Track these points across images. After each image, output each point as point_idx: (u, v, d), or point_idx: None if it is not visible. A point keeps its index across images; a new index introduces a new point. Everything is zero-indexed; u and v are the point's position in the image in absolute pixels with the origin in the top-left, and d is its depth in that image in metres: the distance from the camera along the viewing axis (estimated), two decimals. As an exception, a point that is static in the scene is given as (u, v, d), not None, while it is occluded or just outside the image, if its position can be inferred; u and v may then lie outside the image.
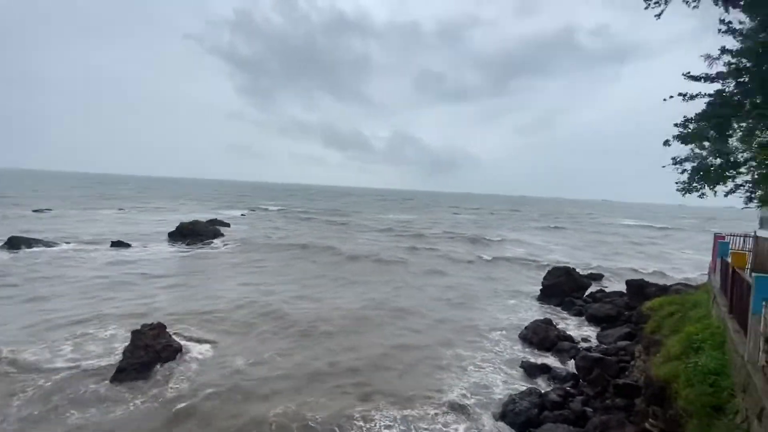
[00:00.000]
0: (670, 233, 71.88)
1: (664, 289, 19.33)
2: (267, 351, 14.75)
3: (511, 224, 73.37)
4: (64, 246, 32.65)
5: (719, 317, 9.16)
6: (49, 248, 31.25)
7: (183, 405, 11.03)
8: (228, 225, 51.24)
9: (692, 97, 7.17)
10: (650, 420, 8.53)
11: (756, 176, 8.01)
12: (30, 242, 31.42)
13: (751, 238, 14.62)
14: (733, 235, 15.51)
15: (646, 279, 21.87)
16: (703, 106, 7.43)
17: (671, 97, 7.76)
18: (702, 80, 7.32)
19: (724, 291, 9.77)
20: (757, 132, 7.49)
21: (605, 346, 15.35)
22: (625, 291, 21.85)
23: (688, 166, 7.94)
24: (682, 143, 7.76)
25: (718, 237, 14.38)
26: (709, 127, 7.45)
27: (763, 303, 5.61)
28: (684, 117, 7.98)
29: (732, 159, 8.14)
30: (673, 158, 8.70)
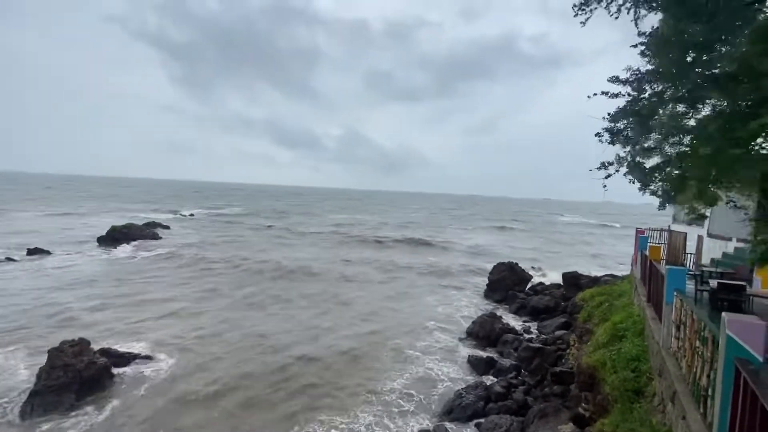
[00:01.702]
0: (605, 228, 78.28)
1: (595, 281, 20.95)
2: (200, 368, 13.89)
3: (460, 224, 75.62)
4: (-32, 256, 28.55)
5: (640, 306, 10.01)
6: (-53, 259, 27.19)
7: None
8: (167, 227, 47.98)
9: (614, 96, 7.71)
10: (582, 405, 9.12)
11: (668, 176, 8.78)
12: None
13: (665, 232, 16.20)
14: (652, 230, 17.10)
15: (580, 271, 23.55)
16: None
17: (595, 94, 8.29)
18: (623, 83, 7.89)
19: (644, 281, 10.69)
20: (670, 136, 8.23)
21: (545, 336, 16.29)
22: (561, 283, 23.40)
23: (612, 169, 8.53)
24: (609, 144, 8.31)
25: (639, 231, 15.77)
26: (629, 126, 8.07)
27: (674, 293, 6.15)
28: (609, 113, 8.54)
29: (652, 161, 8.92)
30: (602, 162, 9.35)
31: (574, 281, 21.50)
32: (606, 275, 22.41)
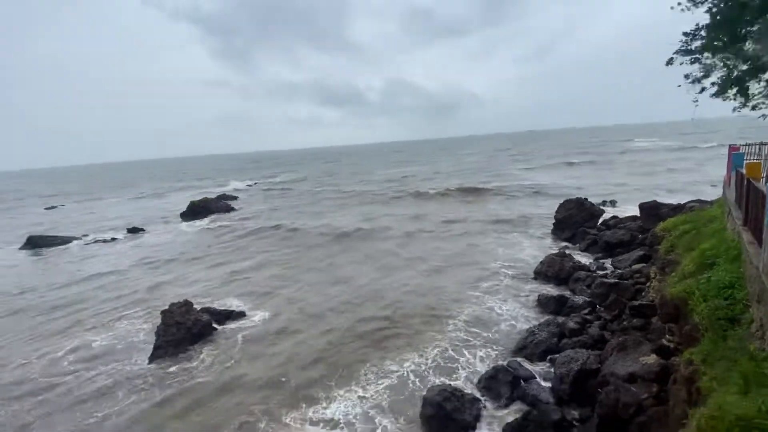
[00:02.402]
0: (687, 151, 69.70)
1: (678, 209, 19.13)
2: (284, 321, 15.43)
3: (519, 164, 71.57)
4: (80, 241, 33.42)
5: (734, 231, 9.06)
6: (67, 244, 32.09)
7: (212, 379, 11.81)
8: (235, 198, 51.85)
9: (697, 4, 6.60)
10: (667, 336, 8.79)
11: None
12: (48, 240, 32.25)
13: (766, 147, 14.08)
14: (748, 145, 14.92)
15: (660, 200, 21.59)
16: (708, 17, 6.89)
17: (678, 3, 7.16)
18: None
19: (739, 203, 9.57)
20: None
21: (620, 271, 15.54)
22: (638, 214, 21.71)
23: (707, 82, 7.49)
24: (687, 57, 7.26)
25: (732, 148, 13.86)
26: (719, 34, 6.91)
27: (779, 212, 5.47)
28: (695, 25, 7.39)
29: (756, 63, 7.61)
30: (686, 75, 8.19)
31: (653, 211, 19.83)
32: (691, 201, 20.31)
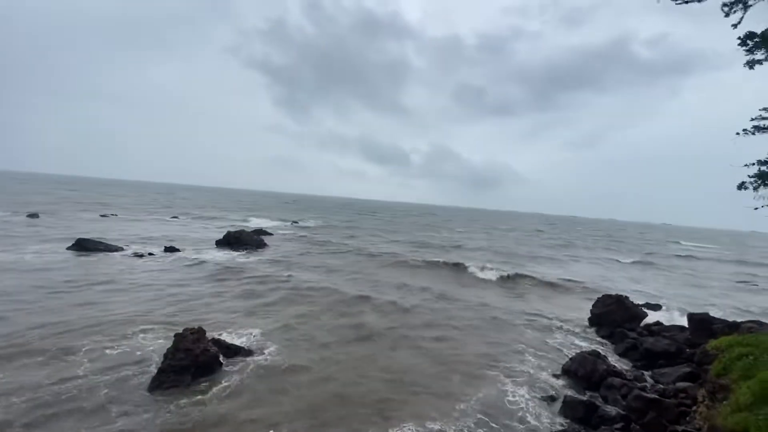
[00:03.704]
0: (743, 266, 64.53)
1: (733, 327, 17.33)
2: (296, 362, 14.89)
3: (555, 250, 69.01)
4: (123, 252, 35.19)
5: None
6: (112, 252, 33.85)
7: (211, 410, 11.32)
8: (271, 234, 53.32)
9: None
10: (716, 478, 7.50)
11: None
12: (94, 244, 34.22)
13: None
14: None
15: (713, 314, 19.72)
16: None
17: (745, 131, 7.04)
18: None
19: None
20: None
21: (662, 386, 13.91)
22: (686, 325, 19.83)
23: None
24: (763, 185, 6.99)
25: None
26: None
27: None
28: None
29: None
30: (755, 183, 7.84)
31: (704, 325, 18.08)
32: (749, 321, 18.37)
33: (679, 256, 69.58)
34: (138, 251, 34.74)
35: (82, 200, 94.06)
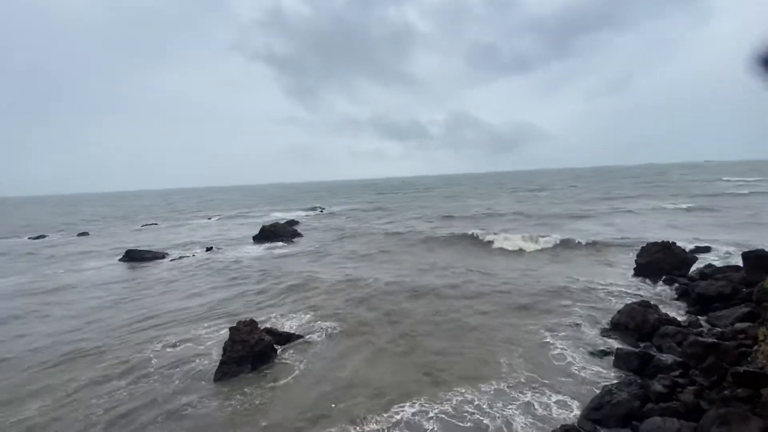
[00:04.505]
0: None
1: (794, 261, 16.36)
2: (346, 347, 15.51)
3: (588, 204, 66.40)
4: (169, 257, 37.20)
5: None
6: (160, 260, 35.88)
7: (272, 394, 12.09)
8: (298, 223, 54.66)
9: None
10: (784, 415, 7.32)
11: None
12: (141, 254, 36.32)
13: None
14: None
15: (769, 249, 18.62)
16: None
17: None
18: None
19: None
20: None
21: (720, 330, 13.46)
22: (741, 265, 18.87)
23: None
24: None
25: None
26: None
27: None
28: None
29: None
30: None
31: (761, 262, 17.13)
32: (811, 253, 17.26)
33: (727, 194, 65.24)
34: (183, 254, 36.68)
35: (115, 214, 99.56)
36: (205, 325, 18.30)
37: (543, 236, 33.83)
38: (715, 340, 11.91)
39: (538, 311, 17.84)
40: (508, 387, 11.80)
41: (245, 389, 12.65)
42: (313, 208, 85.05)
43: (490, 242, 34.76)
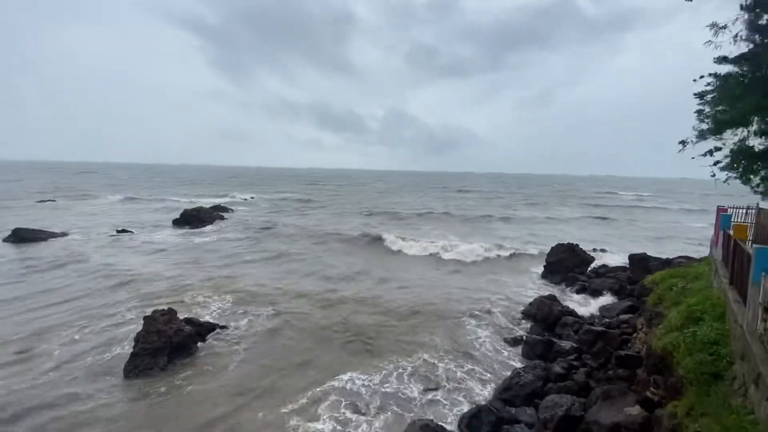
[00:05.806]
0: (685, 212, 70.62)
1: (666, 263, 19.53)
2: (267, 335, 15.19)
3: (510, 208, 72.47)
4: (67, 237, 32.90)
5: (720, 289, 9.31)
6: (52, 239, 31.54)
7: (189, 389, 11.47)
8: (229, 210, 51.69)
9: (719, 77, 7.10)
10: (651, 389, 8.80)
11: None
12: (33, 233, 31.57)
13: (753, 211, 14.62)
14: (736, 208, 15.49)
15: (650, 254, 22.00)
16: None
17: (701, 77, 7.64)
18: (735, 62, 7.23)
19: (726, 263, 9.88)
20: None
21: (608, 320, 15.63)
22: (627, 265, 22.05)
23: (720, 155, 8.01)
24: (703, 123, 7.74)
25: (720, 209, 14.38)
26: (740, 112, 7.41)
27: (763, 274, 5.71)
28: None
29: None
30: (710, 151, 8.64)
31: (642, 263, 20.20)
32: (680, 257, 20.75)
33: (622, 206, 75.29)
34: (87, 236, 32.66)
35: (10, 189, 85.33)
36: (121, 311, 16.63)
37: (462, 236, 35.91)
38: (603, 329, 13.83)
39: (461, 298, 19.15)
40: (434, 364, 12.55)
41: (157, 385, 11.78)
42: (235, 197, 78.48)
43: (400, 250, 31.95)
